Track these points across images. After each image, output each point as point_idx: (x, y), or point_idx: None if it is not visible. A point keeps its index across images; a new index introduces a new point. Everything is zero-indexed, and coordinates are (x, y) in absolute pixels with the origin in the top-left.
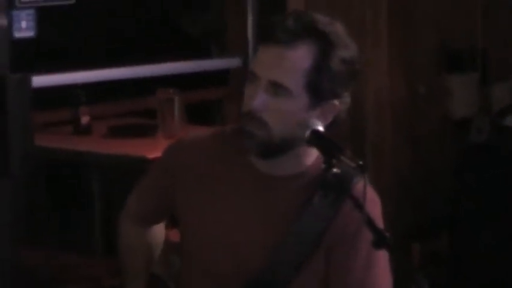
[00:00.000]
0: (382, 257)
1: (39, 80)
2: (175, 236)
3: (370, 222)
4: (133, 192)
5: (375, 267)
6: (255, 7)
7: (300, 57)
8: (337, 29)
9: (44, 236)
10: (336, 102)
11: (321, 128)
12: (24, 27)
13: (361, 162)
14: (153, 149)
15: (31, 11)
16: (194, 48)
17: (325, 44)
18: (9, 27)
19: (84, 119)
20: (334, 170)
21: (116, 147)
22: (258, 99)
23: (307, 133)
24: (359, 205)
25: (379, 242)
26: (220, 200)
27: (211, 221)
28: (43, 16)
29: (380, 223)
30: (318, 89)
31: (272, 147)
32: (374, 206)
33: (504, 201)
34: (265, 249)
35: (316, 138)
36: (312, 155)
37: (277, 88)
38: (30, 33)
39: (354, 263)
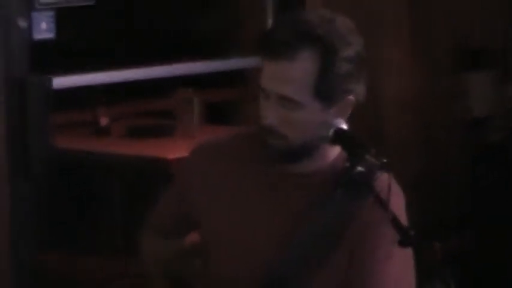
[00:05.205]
0: (405, 252)
1: (59, 82)
2: (195, 237)
3: (395, 221)
4: (155, 207)
5: (397, 262)
6: (273, 4)
7: (303, 68)
8: (338, 26)
9: (64, 238)
10: (351, 97)
11: (344, 126)
12: (44, 29)
13: (385, 160)
14: (172, 149)
15: (51, 12)
16: (212, 47)
17: (326, 48)
18: (29, 29)
19: (103, 120)
20: (359, 168)
21: (135, 147)
22: (271, 116)
23: (331, 132)
24: (383, 204)
25: (405, 240)
26: (242, 201)
27: (231, 222)
28: (63, 17)
29: (404, 217)
30: (328, 94)
31: (294, 153)
32: (398, 199)
33: None
34: (287, 246)
35: (339, 137)
36: (335, 150)
37: (287, 102)
38: (50, 35)
39: (377, 257)
